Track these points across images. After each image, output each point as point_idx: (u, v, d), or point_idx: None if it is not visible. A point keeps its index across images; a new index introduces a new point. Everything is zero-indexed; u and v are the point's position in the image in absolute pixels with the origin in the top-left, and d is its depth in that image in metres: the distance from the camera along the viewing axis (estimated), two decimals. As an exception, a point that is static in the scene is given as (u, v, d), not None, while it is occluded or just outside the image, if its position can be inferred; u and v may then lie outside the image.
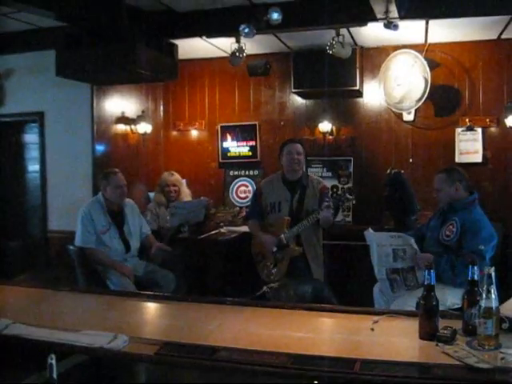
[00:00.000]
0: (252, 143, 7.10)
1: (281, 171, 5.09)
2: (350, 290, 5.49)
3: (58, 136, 6.30)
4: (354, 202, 4.79)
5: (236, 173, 7.20)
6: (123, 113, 6.67)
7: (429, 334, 2.56)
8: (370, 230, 4.27)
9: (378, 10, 4.89)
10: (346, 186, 6.61)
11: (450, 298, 3.87)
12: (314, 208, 4.84)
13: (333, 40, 5.45)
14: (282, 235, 4.86)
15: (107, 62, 5.35)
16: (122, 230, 5.16)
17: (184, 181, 6.73)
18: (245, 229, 6.25)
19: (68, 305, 3.47)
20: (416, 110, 6.36)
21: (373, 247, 4.18)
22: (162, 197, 6.14)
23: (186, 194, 6.35)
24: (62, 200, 6.24)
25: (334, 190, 6.43)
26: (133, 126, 6.80)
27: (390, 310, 3.50)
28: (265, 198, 5.06)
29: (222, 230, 6.23)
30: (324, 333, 2.99)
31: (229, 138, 7.17)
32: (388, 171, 5.91)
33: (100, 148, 6.30)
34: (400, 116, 6.50)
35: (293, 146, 4.98)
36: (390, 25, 5.02)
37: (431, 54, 6.29)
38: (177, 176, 6.27)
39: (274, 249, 4.89)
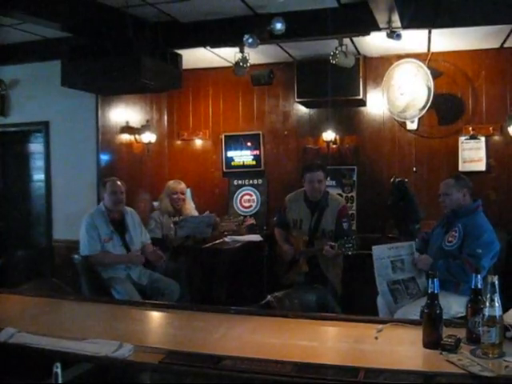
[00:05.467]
0: (256, 152, 7.13)
1: (303, 189, 5.32)
2: (354, 299, 5.50)
3: (62, 145, 6.33)
4: (355, 252, 4.91)
5: (240, 182, 7.23)
6: (128, 122, 6.70)
7: (433, 342, 2.57)
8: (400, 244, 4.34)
9: (381, 20, 4.91)
10: (349, 195, 6.64)
11: (454, 306, 3.88)
12: (329, 229, 5.14)
13: (336, 49, 5.47)
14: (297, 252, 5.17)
15: (112, 72, 5.37)
16: (124, 238, 5.21)
17: (188, 190, 6.76)
18: (249, 238, 6.30)
19: (73, 314, 3.48)
20: (419, 119, 6.38)
21: (373, 261, 4.23)
22: (168, 204, 6.13)
23: (190, 207, 6.36)
24: (66, 209, 6.26)
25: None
26: (137, 136, 6.83)
27: (393, 318, 3.50)
28: (288, 213, 5.35)
29: (226, 240, 6.23)
30: (328, 341, 3.00)
31: (233, 147, 7.20)
32: (392, 180, 5.93)
33: (105, 157, 6.33)
34: (403, 125, 6.51)
35: (314, 174, 5.18)
36: (392, 34, 5.04)
37: (434, 62, 6.31)
38: (184, 185, 6.28)
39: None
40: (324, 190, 5.27)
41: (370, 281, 4.31)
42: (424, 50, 6.21)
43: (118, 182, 5.26)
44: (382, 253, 4.20)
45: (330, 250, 4.91)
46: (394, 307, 4.11)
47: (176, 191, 6.16)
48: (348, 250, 4.86)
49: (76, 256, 5.12)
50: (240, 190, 7.21)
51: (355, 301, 5.54)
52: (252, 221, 6.83)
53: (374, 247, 4.24)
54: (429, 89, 6.04)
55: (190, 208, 6.34)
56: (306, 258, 5.14)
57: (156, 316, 3.46)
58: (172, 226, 6.04)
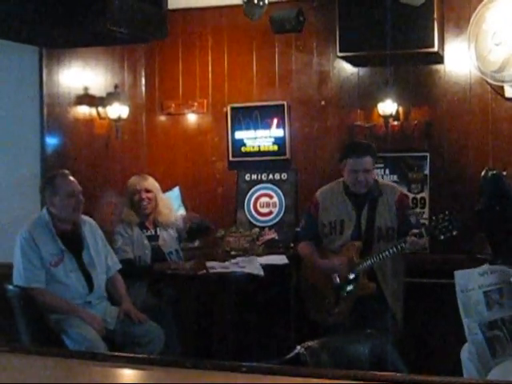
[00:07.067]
0: (278, 133, 7.14)
1: (343, 180, 5.39)
2: (426, 350, 5.46)
3: (-12, 124, 6.36)
4: (455, 233, 4.99)
5: (255, 177, 7.25)
6: (87, 89, 6.73)
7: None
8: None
9: None
10: (419, 196, 6.61)
11: None
12: (388, 226, 5.21)
13: (398, -22, 5.47)
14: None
15: (63, 15, 5.39)
16: (81, 259, 5.25)
17: (177, 188, 6.75)
18: (268, 260, 6.28)
19: (7, 372, 3.48)
20: (525, 82, 6.36)
21: (457, 294, 4.17)
22: (131, 212, 6.14)
23: (166, 206, 6.34)
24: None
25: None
26: (101, 109, 6.85)
27: (487, 381, 3.47)
28: (322, 214, 5.39)
29: (234, 262, 6.23)
30: (388, 415, 2.97)
31: (244, 125, 7.21)
32: (483, 173, 5.89)
33: (53, 141, 6.36)
34: (500, 91, 6.47)
35: (359, 161, 5.24)
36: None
37: (546, -3, 6.27)
38: (151, 180, 6.28)
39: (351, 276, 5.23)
40: (373, 180, 5.36)
41: (451, 323, 4.27)
42: (531, -23, 6.18)
43: (72, 178, 5.30)
44: (470, 281, 4.13)
45: (417, 241, 4.94)
46: (490, 363, 4.06)
47: (137, 189, 6.15)
48: (447, 231, 4.90)
49: (10, 287, 5.13)
50: (254, 188, 7.23)
51: (426, 352, 5.51)
52: (272, 235, 6.83)
53: (457, 272, 4.20)
54: (539, 36, 6.02)
55: (170, 214, 6.35)
56: (366, 274, 5.21)
57: (130, 375, 3.45)
58: (146, 242, 6.06)
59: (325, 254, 5.39)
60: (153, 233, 6.15)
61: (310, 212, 5.53)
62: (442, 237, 4.94)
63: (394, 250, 5.06)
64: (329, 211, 5.38)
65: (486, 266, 4.23)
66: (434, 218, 4.94)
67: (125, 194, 6.26)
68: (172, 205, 6.55)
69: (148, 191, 6.18)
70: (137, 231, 6.09)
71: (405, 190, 6.55)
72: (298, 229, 5.82)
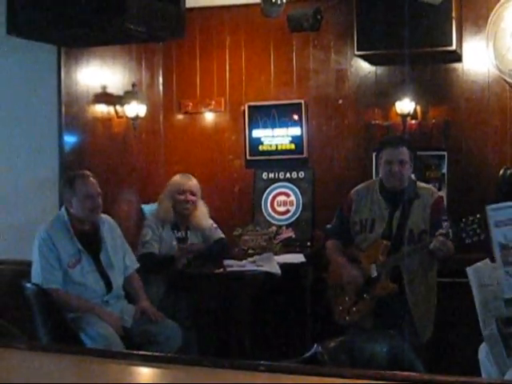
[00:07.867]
0: (295, 131, 7.13)
1: (379, 177, 5.39)
2: (444, 349, 5.43)
3: (7, 123, 6.35)
4: (482, 237, 4.91)
5: (272, 175, 7.23)
6: (105, 88, 6.74)
7: None
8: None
9: None
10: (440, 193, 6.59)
11: None
12: (422, 229, 5.13)
13: (416, -24, 5.44)
14: (373, 265, 5.15)
15: (81, 13, 5.39)
16: (99, 259, 5.26)
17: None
18: (285, 259, 6.27)
19: (24, 369, 3.47)
20: (544, 81, 6.33)
21: (473, 289, 4.12)
22: (169, 209, 6.10)
23: (204, 212, 6.33)
24: (13, 218, 6.26)
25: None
26: (119, 107, 6.86)
27: (504, 381, 3.44)
28: (354, 213, 5.35)
29: (251, 261, 6.22)
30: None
31: (261, 123, 7.20)
32: (501, 172, 5.86)
33: (70, 140, 6.36)
34: (519, 89, 6.46)
35: (394, 152, 5.21)
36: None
37: None
38: (196, 182, 6.24)
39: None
40: (409, 176, 5.30)
41: (469, 322, 4.24)
42: (550, -25, 6.14)
43: (92, 179, 5.30)
44: (487, 276, 4.09)
45: (445, 241, 4.88)
46: (506, 363, 4.03)
47: (183, 190, 6.12)
48: (475, 235, 4.85)
49: (28, 285, 5.14)
50: (272, 187, 7.21)
51: (443, 351, 5.47)
52: (290, 233, 6.81)
53: (469, 268, 4.16)
54: (558, 34, 5.98)
55: (204, 219, 6.33)
56: (389, 273, 5.16)
57: (147, 373, 3.44)
58: (175, 243, 6.04)
59: (353, 252, 5.36)
60: (183, 235, 6.15)
61: (343, 210, 5.49)
62: (470, 240, 4.89)
63: (417, 251, 5.05)
64: (361, 209, 5.33)
65: (487, 260, 4.19)
66: (463, 220, 4.87)
67: (167, 189, 6.22)
68: (207, 211, 6.48)
69: (193, 193, 6.15)
70: (168, 230, 6.08)
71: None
72: (329, 225, 5.76)
